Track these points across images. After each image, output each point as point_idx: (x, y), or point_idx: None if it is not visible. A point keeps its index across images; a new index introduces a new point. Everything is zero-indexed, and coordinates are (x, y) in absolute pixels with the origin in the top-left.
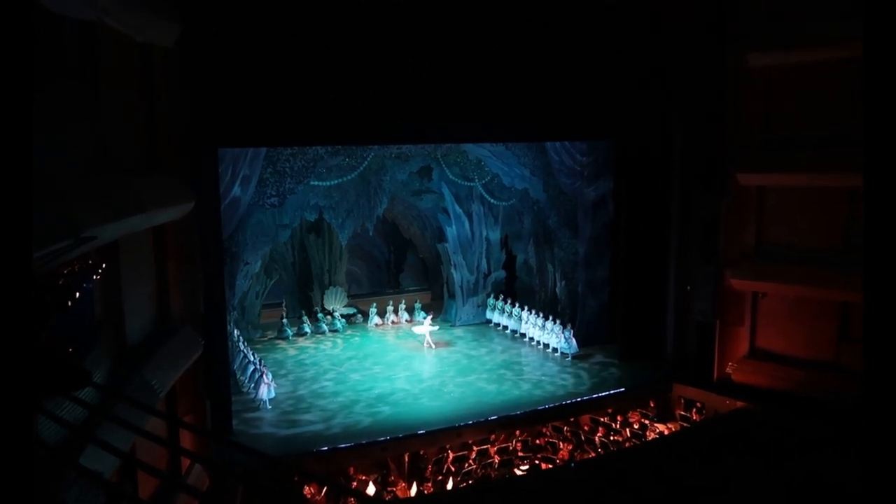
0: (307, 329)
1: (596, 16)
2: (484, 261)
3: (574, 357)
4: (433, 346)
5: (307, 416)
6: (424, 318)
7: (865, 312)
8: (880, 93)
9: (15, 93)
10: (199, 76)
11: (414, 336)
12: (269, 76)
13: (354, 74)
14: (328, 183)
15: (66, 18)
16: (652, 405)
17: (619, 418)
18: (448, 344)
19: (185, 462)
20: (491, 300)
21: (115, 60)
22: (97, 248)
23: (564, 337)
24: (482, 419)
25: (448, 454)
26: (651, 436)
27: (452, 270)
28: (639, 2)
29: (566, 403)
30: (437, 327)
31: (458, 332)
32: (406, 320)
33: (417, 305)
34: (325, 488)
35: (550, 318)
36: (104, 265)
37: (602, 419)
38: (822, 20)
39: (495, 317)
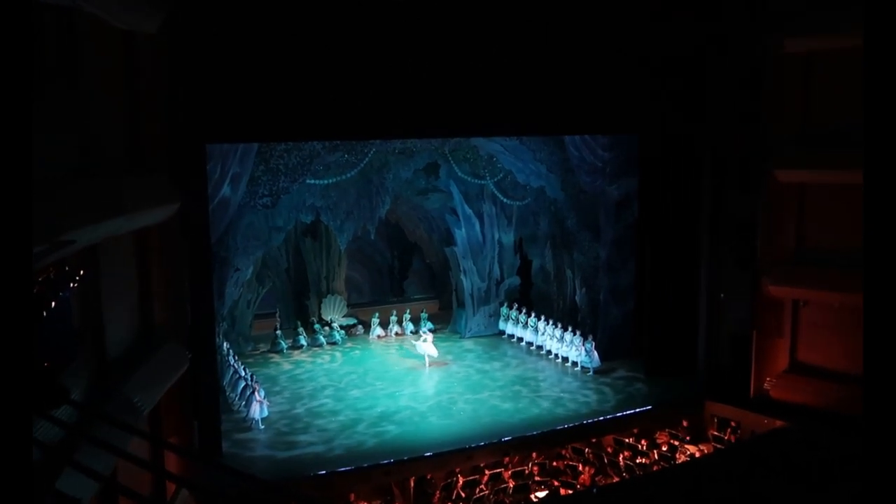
0: (303, 341)
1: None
2: (496, 266)
3: (596, 372)
4: (427, 364)
5: (305, 437)
6: (428, 331)
7: (865, 318)
8: (881, 91)
9: (15, 94)
10: (185, 65)
11: (419, 356)
12: (261, 65)
13: (353, 62)
14: (326, 181)
15: (42, 3)
16: (684, 425)
17: (645, 439)
18: (447, 363)
19: (171, 487)
20: (504, 309)
21: (94, 49)
22: (74, 254)
23: (585, 349)
24: (495, 440)
25: (458, 478)
26: (681, 458)
27: (462, 277)
28: None
29: (587, 423)
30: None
31: (469, 344)
32: (411, 332)
33: (424, 315)
34: None
35: (569, 328)
36: (82, 272)
37: (627, 440)
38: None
39: (509, 327)
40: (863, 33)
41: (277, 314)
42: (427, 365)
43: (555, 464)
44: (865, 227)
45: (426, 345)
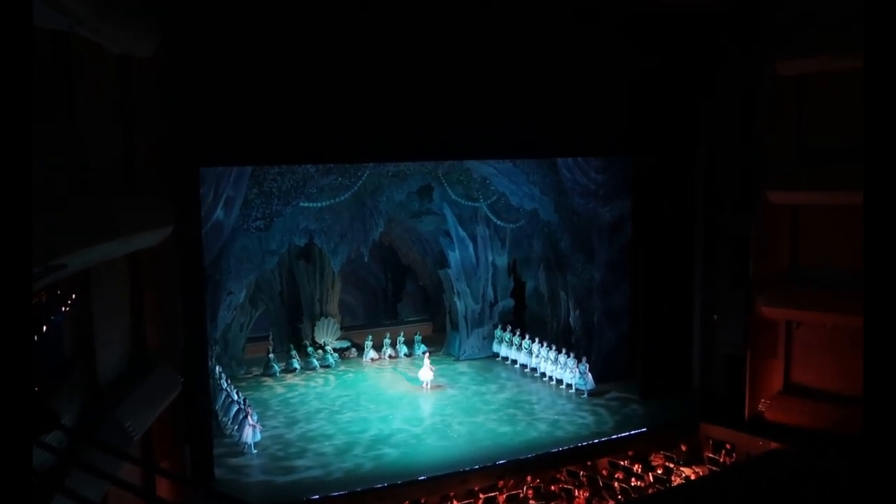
0: (296, 365)
1: (613, 22)
2: (490, 288)
3: (590, 394)
4: (427, 388)
5: (301, 462)
6: (424, 353)
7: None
8: (881, 103)
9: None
10: (179, 89)
11: (413, 379)
12: (255, 89)
13: (347, 86)
14: (319, 204)
15: (37, 28)
16: (682, 448)
17: (640, 462)
18: (443, 386)
19: None
20: (498, 332)
21: (89, 72)
22: (67, 278)
23: (579, 372)
24: (489, 463)
25: (452, 502)
26: (676, 481)
27: (456, 299)
28: (660, 8)
29: (582, 445)
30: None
31: (463, 366)
32: (405, 354)
33: (417, 338)
34: None
35: (563, 351)
36: (74, 296)
37: (622, 463)
38: (857, 22)
39: (503, 350)
40: (863, 53)
41: (270, 337)
42: (428, 389)
43: (550, 487)
44: (865, 245)
45: (427, 371)
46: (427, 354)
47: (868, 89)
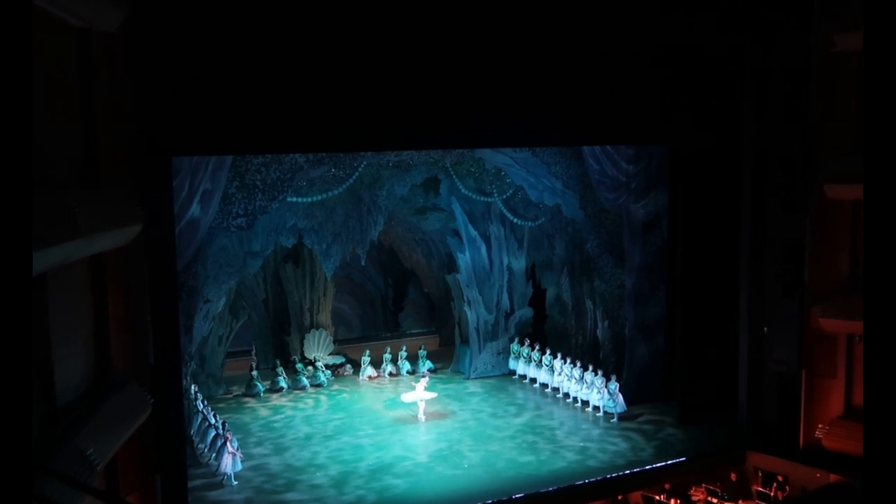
0: (283, 384)
1: None
2: (505, 296)
3: (620, 418)
4: (423, 417)
5: (290, 496)
6: (421, 379)
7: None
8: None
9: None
10: (148, 68)
11: (405, 405)
12: (236, 67)
13: (341, 62)
14: (309, 199)
15: None
16: (726, 480)
17: (678, 497)
18: (445, 415)
19: None
20: (514, 346)
21: (44, 49)
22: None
23: (608, 392)
24: (504, 497)
25: None
26: None
27: (466, 308)
28: None
29: (611, 477)
30: (433, 394)
31: (474, 386)
32: (407, 372)
33: (422, 353)
34: None
35: (590, 368)
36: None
37: (657, 497)
38: None
39: (520, 367)
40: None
41: (254, 352)
42: (422, 418)
43: None
44: (866, 244)
45: (417, 393)
46: (425, 377)
47: (868, 89)
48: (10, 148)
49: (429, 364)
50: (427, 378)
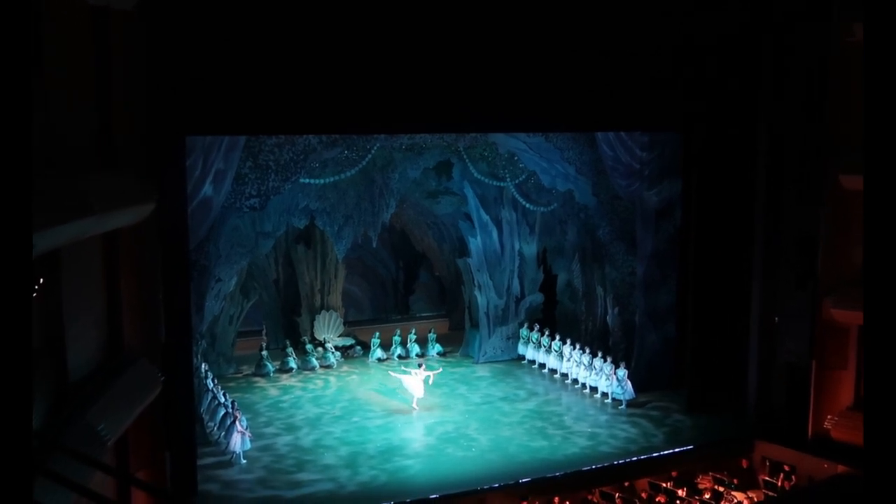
0: (293, 364)
1: None
2: (516, 281)
3: (629, 404)
4: (416, 406)
5: (303, 476)
6: (420, 367)
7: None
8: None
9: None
10: (163, 47)
11: (404, 396)
12: (251, 48)
13: (355, 43)
14: (322, 181)
15: None
16: (734, 469)
17: (685, 485)
18: (434, 407)
19: None
20: (524, 331)
21: (60, 27)
22: (34, 260)
23: (617, 379)
24: (511, 482)
25: None
26: None
27: (476, 293)
28: None
29: (619, 463)
30: (430, 372)
31: (482, 370)
32: (417, 355)
33: (431, 336)
34: None
35: (599, 354)
36: (42, 280)
37: (664, 485)
38: None
39: (529, 352)
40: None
41: (264, 332)
42: (414, 406)
43: None
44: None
45: (415, 379)
46: (422, 366)
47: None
48: (9, 129)
49: (438, 347)
50: (423, 368)
